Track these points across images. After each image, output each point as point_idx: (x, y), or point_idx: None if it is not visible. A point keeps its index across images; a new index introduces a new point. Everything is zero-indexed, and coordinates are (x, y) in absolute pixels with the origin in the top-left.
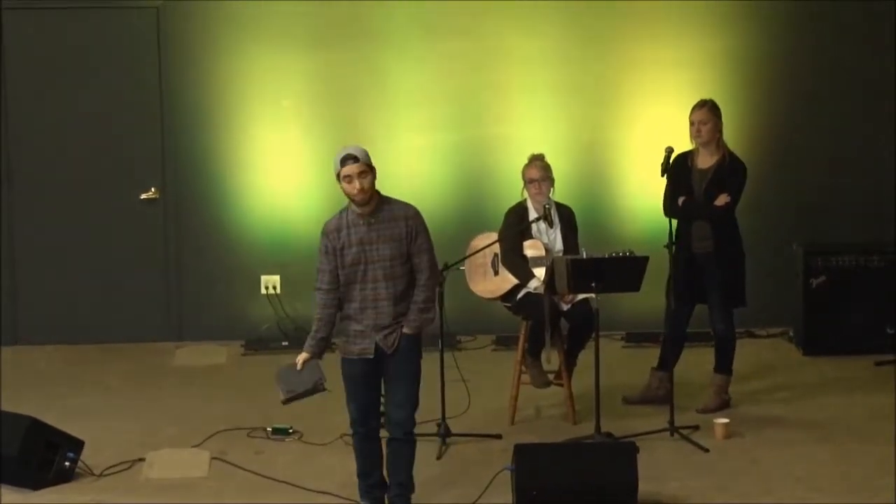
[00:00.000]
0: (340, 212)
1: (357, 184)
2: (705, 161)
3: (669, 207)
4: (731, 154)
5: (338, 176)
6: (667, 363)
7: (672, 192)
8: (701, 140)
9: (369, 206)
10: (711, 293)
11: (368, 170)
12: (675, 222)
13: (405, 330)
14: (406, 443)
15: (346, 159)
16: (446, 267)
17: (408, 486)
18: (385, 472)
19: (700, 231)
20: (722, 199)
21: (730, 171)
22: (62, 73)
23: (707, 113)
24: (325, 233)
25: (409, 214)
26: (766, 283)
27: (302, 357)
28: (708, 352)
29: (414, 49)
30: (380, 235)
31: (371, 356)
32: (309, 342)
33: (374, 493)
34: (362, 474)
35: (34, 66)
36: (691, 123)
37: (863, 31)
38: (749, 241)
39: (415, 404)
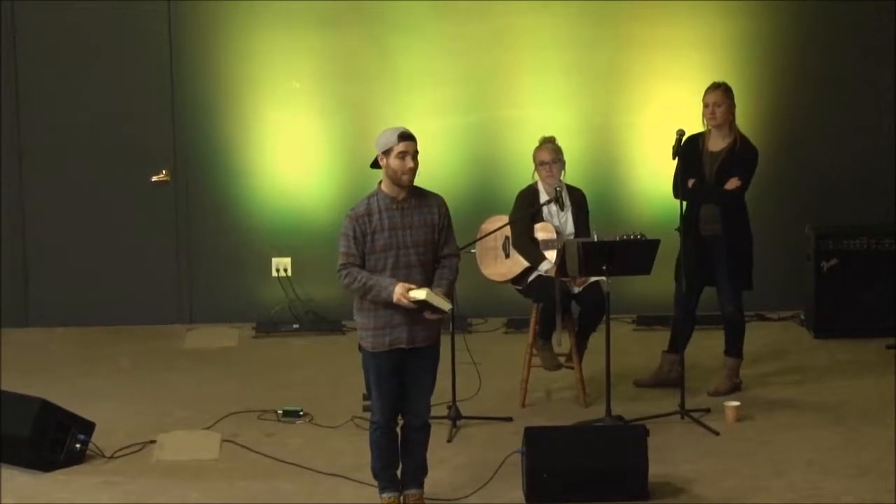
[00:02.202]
0: (368, 197)
1: (410, 161)
2: (717, 144)
3: (680, 190)
4: (744, 138)
5: (387, 152)
6: (677, 345)
7: (682, 174)
8: (715, 122)
9: (402, 191)
10: (720, 276)
11: (417, 152)
12: (685, 205)
13: (439, 285)
14: (424, 428)
15: (405, 136)
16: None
17: (423, 470)
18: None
19: (709, 214)
20: (732, 183)
21: (741, 154)
22: (75, 56)
23: (721, 95)
24: (354, 217)
25: (440, 203)
26: (778, 266)
27: (401, 289)
28: (719, 335)
29: (425, 30)
30: (413, 220)
31: (404, 346)
32: (389, 286)
33: (396, 482)
34: (386, 467)
35: (48, 49)
36: (705, 105)
37: (876, 13)
38: (760, 224)
39: (432, 392)
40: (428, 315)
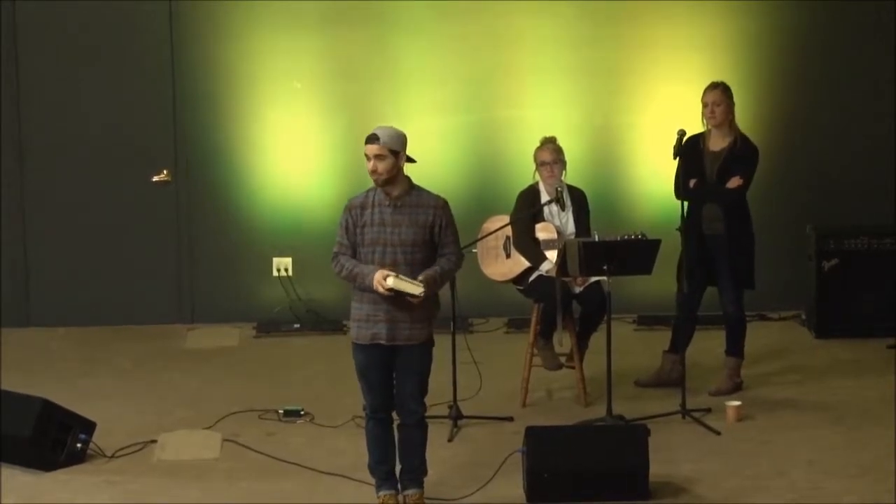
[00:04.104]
0: (368, 190)
1: (372, 164)
2: (717, 143)
3: (681, 190)
4: (744, 137)
5: None
6: (678, 345)
7: (684, 174)
8: (714, 122)
9: (393, 189)
10: (722, 275)
11: (388, 154)
12: (687, 205)
13: (427, 272)
14: (419, 427)
15: (369, 138)
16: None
17: (422, 470)
18: (397, 457)
19: (711, 213)
20: (734, 182)
21: (742, 153)
22: (75, 56)
23: (720, 94)
24: (348, 208)
25: (437, 204)
26: (779, 266)
27: (379, 276)
28: (720, 335)
29: (426, 30)
30: (404, 219)
31: (383, 342)
32: (370, 273)
33: (392, 479)
34: (378, 462)
35: (48, 49)
36: (704, 105)
37: (876, 13)
38: (761, 224)
39: (426, 391)
40: (409, 298)
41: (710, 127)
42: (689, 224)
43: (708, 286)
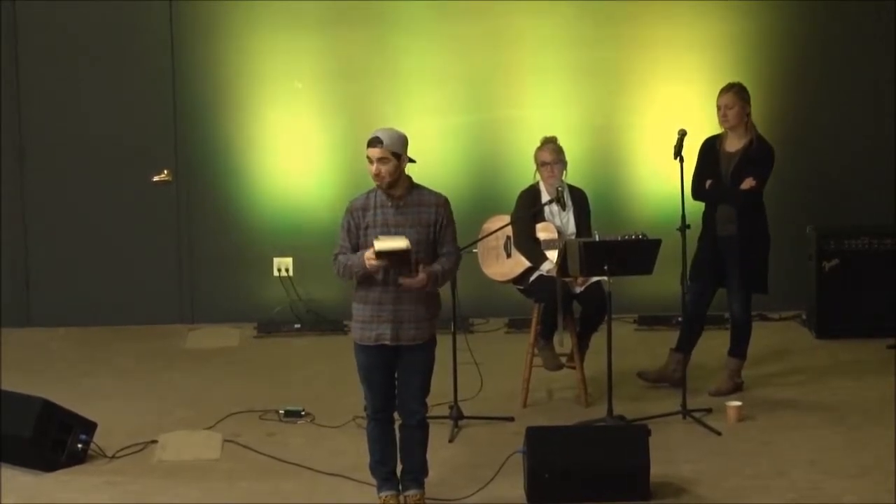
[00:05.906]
0: (368, 191)
1: (375, 167)
2: (733, 144)
3: (697, 191)
4: (759, 137)
5: None
6: (684, 345)
7: (700, 175)
8: (727, 125)
9: (395, 190)
10: (731, 277)
11: (391, 157)
12: (691, 205)
13: (425, 271)
14: (420, 428)
15: (372, 141)
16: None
17: (423, 470)
18: (399, 457)
19: (725, 214)
20: (747, 183)
21: (756, 154)
22: (75, 56)
23: (733, 97)
24: (350, 210)
25: (439, 202)
26: (779, 267)
27: (368, 253)
28: (722, 335)
29: (427, 30)
30: (407, 219)
31: (388, 342)
32: (360, 258)
33: (393, 480)
34: (379, 463)
35: (48, 49)
36: (718, 108)
37: (876, 13)
38: None
39: (428, 391)
40: (402, 280)
41: (725, 129)
42: (704, 225)
43: (720, 287)
